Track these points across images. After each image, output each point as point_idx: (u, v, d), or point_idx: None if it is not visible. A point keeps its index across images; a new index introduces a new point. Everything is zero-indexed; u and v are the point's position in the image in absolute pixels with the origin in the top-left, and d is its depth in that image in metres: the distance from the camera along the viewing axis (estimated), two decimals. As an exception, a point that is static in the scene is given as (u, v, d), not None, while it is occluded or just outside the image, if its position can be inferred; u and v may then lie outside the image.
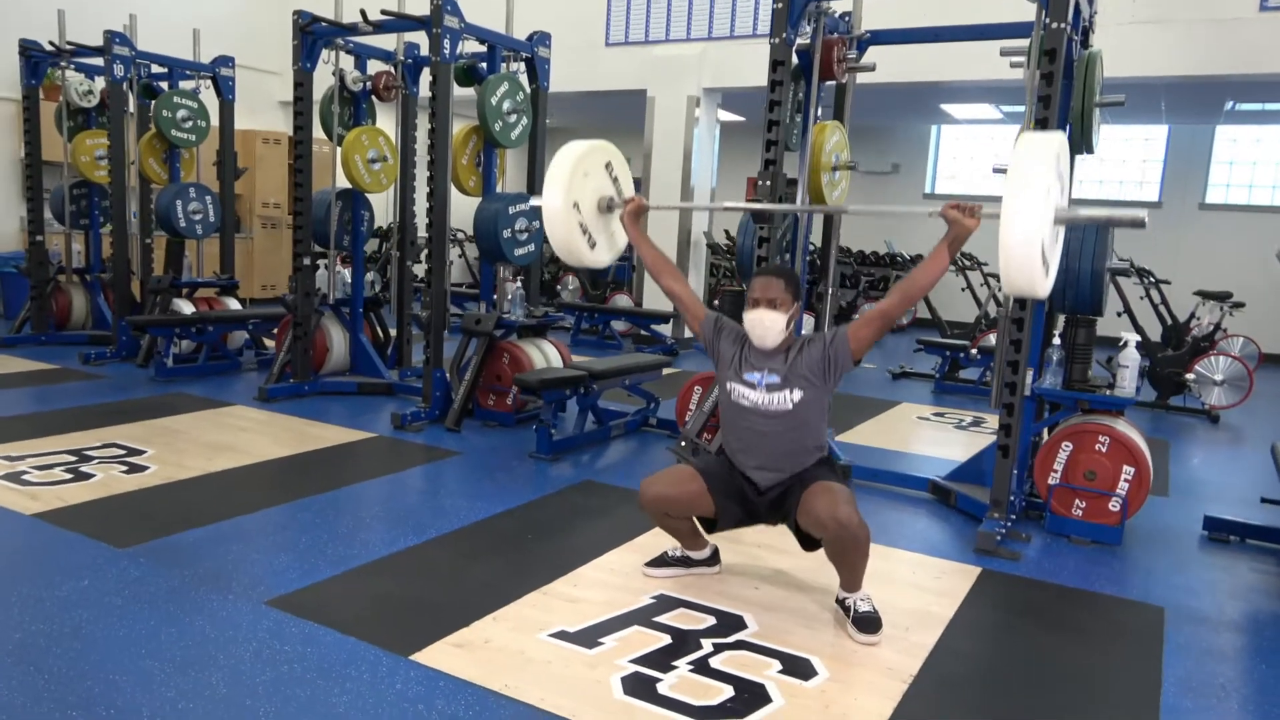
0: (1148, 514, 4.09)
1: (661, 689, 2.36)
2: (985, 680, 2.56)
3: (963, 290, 9.88)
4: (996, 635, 2.88)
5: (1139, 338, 3.80)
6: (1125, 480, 3.67)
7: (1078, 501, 3.75)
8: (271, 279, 10.89)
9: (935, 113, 11.23)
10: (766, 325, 2.80)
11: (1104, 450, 3.70)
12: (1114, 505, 3.68)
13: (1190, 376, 6.87)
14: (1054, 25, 3.43)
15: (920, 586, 3.17)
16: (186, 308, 6.60)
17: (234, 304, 7.03)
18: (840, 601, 2.83)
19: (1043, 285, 2.47)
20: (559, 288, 11.70)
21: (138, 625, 2.55)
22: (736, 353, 2.91)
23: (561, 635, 2.63)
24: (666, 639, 2.64)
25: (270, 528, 3.43)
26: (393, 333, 6.48)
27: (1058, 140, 2.47)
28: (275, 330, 6.45)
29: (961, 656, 2.66)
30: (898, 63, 5.76)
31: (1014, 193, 2.33)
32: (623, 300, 9.61)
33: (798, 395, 2.80)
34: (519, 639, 2.59)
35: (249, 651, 2.43)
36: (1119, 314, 7.45)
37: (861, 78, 4.72)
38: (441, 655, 2.47)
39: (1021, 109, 10.58)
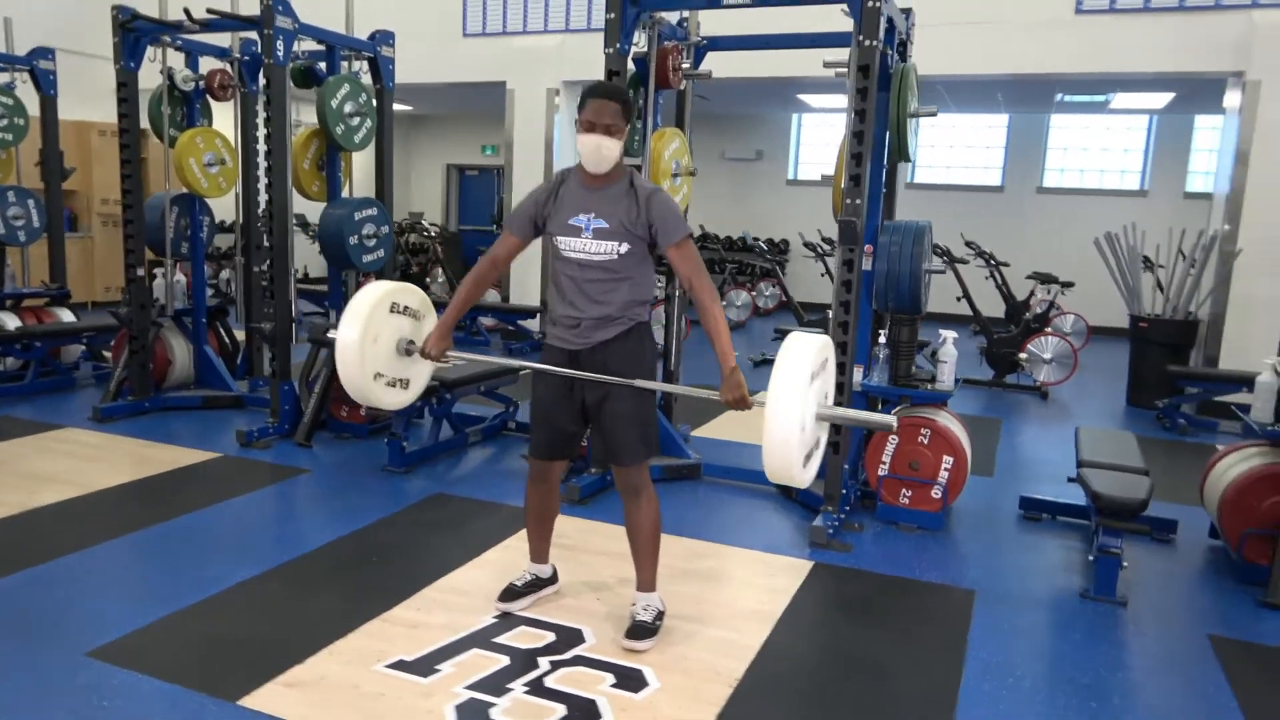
0: (972, 495, 4.40)
1: (495, 714, 2.41)
2: (804, 679, 2.72)
3: (821, 276, 10.25)
4: (819, 632, 3.07)
5: (955, 334, 4.06)
6: (945, 470, 3.94)
7: (904, 491, 4.00)
8: (114, 280, 10.22)
9: (794, 102, 11.56)
10: (603, 153, 2.70)
11: (925, 442, 3.95)
12: (936, 493, 3.95)
13: (1023, 355, 7.36)
14: (867, 43, 3.61)
15: (754, 585, 3.33)
16: (10, 321, 6.16)
17: (66, 315, 6.61)
18: (631, 606, 2.92)
19: (801, 476, 2.47)
20: (428, 280, 11.50)
21: (-62, 690, 2.42)
22: (553, 201, 2.82)
23: (399, 665, 2.64)
24: (505, 660, 2.69)
25: (98, 567, 3.28)
26: (241, 338, 6.25)
27: (820, 343, 2.52)
28: (113, 343, 6.12)
29: (784, 656, 2.81)
30: (750, 60, 5.92)
31: (776, 398, 2.38)
32: (491, 296, 9.52)
33: (625, 248, 2.73)
34: (354, 673, 2.59)
35: (64, 710, 2.35)
36: (958, 299, 7.93)
37: (719, 71, 4.82)
38: (272, 697, 2.44)
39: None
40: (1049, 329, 7.79)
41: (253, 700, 2.42)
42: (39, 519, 3.73)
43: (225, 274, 10.68)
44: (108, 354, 6.63)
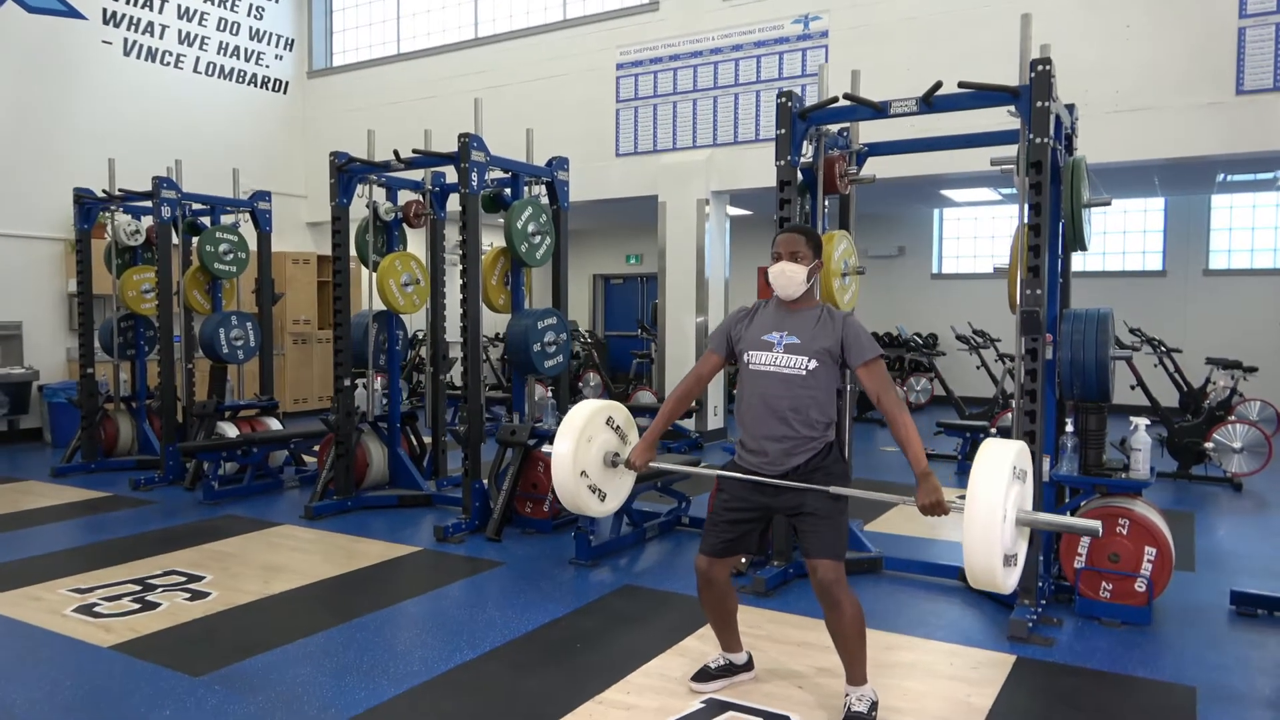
0: (1177, 590, 4.20)
1: (719, 793, 2.49)
2: (1028, 770, 2.67)
3: (977, 368, 10.07)
4: (1035, 724, 3.00)
5: (1149, 421, 3.97)
6: (1149, 561, 3.80)
7: (1104, 584, 3.87)
8: (302, 393, 11.25)
9: (936, 198, 11.65)
10: (789, 275, 2.96)
11: (1125, 533, 3.84)
12: (1140, 586, 3.81)
13: (1209, 445, 6.98)
14: (1038, 140, 3.73)
15: (958, 677, 3.30)
16: (230, 430, 6.88)
17: (274, 423, 7.31)
18: (845, 697, 2.94)
19: (1004, 581, 2.51)
20: (580, 385, 11.98)
21: (222, 753, 2.72)
22: (748, 324, 3.06)
23: (620, 744, 2.77)
24: (720, 743, 2.78)
25: (332, 648, 3.59)
26: (428, 441, 6.71)
27: (1016, 447, 2.58)
28: (315, 448, 6.71)
29: (1003, 747, 2.77)
30: (898, 161, 6.12)
31: (975, 500, 2.46)
32: (646, 397, 9.84)
33: (814, 364, 2.91)
34: (580, 750, 2.73)
35: (329, 774, 2.59)
36: (1132, 387, 7.62)
37: (865, 173, 5.03)
38: (509, 770, 2.61)
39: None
40: (1232, 416, 7.37)
41: (494, 772, 2.60)
42: (276, 604, 4.13)
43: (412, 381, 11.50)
44: (306, 458, 7.26)
